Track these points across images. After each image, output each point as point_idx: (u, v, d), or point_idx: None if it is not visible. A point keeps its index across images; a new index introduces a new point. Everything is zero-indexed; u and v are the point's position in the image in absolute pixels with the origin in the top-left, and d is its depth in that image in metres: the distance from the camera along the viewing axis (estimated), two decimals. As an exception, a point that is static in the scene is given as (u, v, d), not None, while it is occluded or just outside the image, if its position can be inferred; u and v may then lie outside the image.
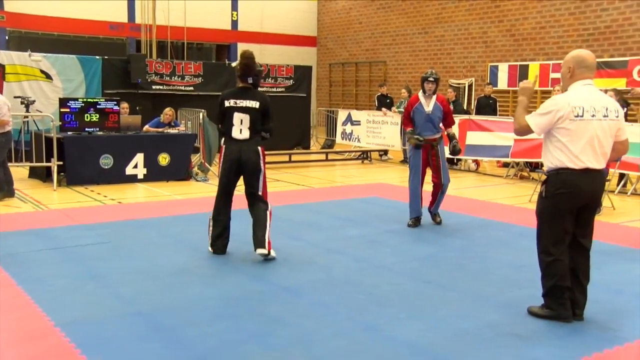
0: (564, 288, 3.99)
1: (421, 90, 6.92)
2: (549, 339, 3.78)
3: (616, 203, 8.44)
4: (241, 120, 5.32)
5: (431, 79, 6.78)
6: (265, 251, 5.30)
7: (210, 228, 5.53)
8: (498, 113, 13.32)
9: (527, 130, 4.08)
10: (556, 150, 3.96)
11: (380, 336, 3.79)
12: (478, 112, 13.10)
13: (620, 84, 12.87)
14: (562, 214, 3.97)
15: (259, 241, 5.33)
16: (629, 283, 4.98)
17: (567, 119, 3.86)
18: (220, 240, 5.50)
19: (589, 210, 4.06)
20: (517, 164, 11.58)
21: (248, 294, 4.54)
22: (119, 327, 3.84)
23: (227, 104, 5.36)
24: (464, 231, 6.79)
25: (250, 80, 5.41)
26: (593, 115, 3.87)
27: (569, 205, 3.95)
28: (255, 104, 5.36)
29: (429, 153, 6.89)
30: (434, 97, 6.85)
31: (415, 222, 6.89)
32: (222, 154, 5.38)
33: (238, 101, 5.35)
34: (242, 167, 5.35)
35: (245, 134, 5.34)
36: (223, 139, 5.48)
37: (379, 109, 14.37)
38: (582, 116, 3.86)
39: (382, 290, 4.69)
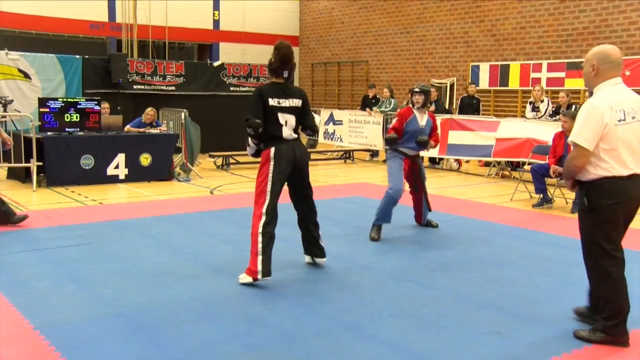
0: (626, 312, 3.68)
1: (410, 104, 6.59)
2: (529, 337, 3.82)
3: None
4: (286, 121, 4.78)
5: (417, 89, 6.45)
6: (325, 259, 5.20)
7: (259, 246, 4.63)
8: (481, 112, 13.41)
9: (583, 157, 3.58)
10: (600, 158, 3.59)
11: (362, 335, 3.80)
12: (461, 112, 13.17)
13: (599, 83, 13.01)
14: (617, 227, 3.65)
15: (320, 249, 5.16)
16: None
17: (612, 125, 3.53)
18: (270, 258, 4.69)
19: (631, 219, 3.75)
20: (499, 163, 11.68)
21: (229, 294, 4.52)
22: (100, 328, 3.81)
23: (271, 102, 4.72)
24: (446, 230, 6.83)
25: (285, 75, 4.83)
26: (633, 117, 3.60)
27: (622, 216, 3.65)
28: (298, 102, 4.85)
29: (412, 167, 6.66)
30: (426, 112, 6.55)
31: (379, 231, 6.38)
32: (271, 156, 4.69)
33: (281, 100, 4.76)
34: (296, 167, 4.81)
35: (294, 134, 4.85)
36: (262, 141, 4.78)
37: (363, 108, 14.39)
38: (624, 120, 3.57)
39: (363, 289, 4.70)
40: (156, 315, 4.06)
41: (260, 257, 4.59)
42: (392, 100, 13.75)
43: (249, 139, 4.80)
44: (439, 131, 7.14)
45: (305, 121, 4.95)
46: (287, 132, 4.78)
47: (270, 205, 4.67)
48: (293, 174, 4.82)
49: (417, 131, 6.40)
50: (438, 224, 6.94)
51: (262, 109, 4.69)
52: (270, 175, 4.68)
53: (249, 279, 4.64)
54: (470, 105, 13.19)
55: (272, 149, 4.71)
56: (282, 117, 4.76)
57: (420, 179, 6.75)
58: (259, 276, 4.58)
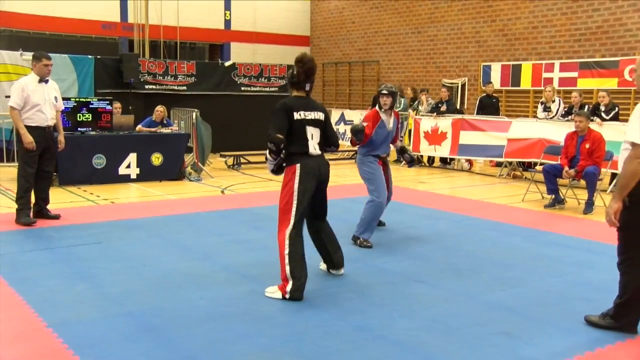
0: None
1: (377, 106, 6.27)
2: (540, 338, 3.80)
3: (608, 202, 8.47)
4: (312, 135, 4.57)
5: (384, 91, 6.13)
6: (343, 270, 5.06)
7: (288, 269, 4.40)
8: (501, 112, 13.27)
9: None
10: None
11: (371, 335, 3.80)
12: (480, 112, 13.09)
13: (612, 83, 12.93)
14: None
15: (339, 260, 4.99)
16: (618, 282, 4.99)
17: None
18: (303, 282, 4.44)
19: None
20: (510, 163, 11.62)
21: (238, 294, 4.53)
22: (110, 327, 3.83)
23: (297, 116, 4.48)
24: (455, 230, 6.81)
25: (307, 88, 4.65)
26: None
27: None
28: (321, 116, 4.66)
29: (384, 169, 6.39)
30: (392, 113, 6.30)
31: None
32: (297, 172, 4.46)
33: (307, 113, 4.54)
34: (320, 184, 4.63)
35: (318, 149, 4.63)
36: (287, 157, 4.49)
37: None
38: None
39: (373, 289, 4.69)
40: (165, 314, 4.08)
41: (290, 281, 4.36)
42: (402, 100, 13.72)
43: (268, 153, 4.50)
44: (402, 132, 7.03)
45: (329, 135, 4.76)
46: (313, 147, 4.58)
47: (295, 224, 4.44)
48: (316, 191, 4.62)
49: (387, 136, 6.20)
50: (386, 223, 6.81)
51: (287, 123, 4.43)
52: (296, 193, 4.44)
53: (278, 295, 4.41)
54: (490, 105, 13.09)
55: (298, 165, 4.47)
56: (308, 131, 4.55)
57: (390, 180, 6.52)
58: (287, 296, 4.37)
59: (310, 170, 4.50)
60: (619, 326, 3.89)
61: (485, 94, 13.41)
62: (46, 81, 6.75)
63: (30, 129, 6.53)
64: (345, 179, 11.16)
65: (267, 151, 4.46)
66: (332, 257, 4.95)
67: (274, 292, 4.46)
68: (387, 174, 6.38)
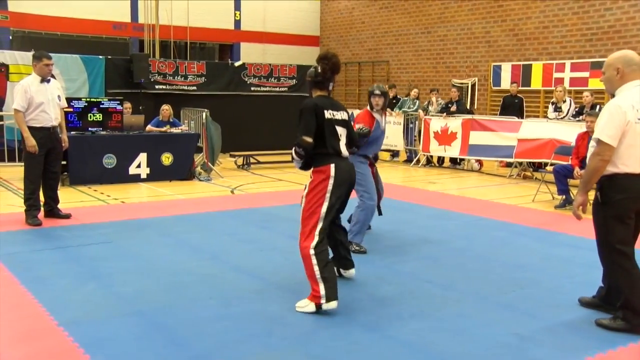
0: None
1: (369, 107, 6.05)
2: (550, 339, 3.78)
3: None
4: (341, 135, 4.39)
5: (377, 92, 5.98)
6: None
7: (316, 269, 4.14)
8: (525, 114, 13.19)
9: (606, 154, 3.74)
10: (618, 155, 3.76)
11: (381, 336, 3.80)
12: (503, 111, 13.10)
13: (624, 83, 12.82)
14: (626, 221, 3.85)
15: (350, 262, 4.91)
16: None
17: (633, 122, 3.72)
18: (335, 283, 4.22)
19: None
20: (520, 163, 11.57)
21: (248, 293, 4.54)
22: (120, 326, 3.86)
23: (327, 115, 4.27)
24: (465, 231, 6.79)
25: (330, 87, 4.48)
26: None
27: (633, 210, 3.84)
28: (346, 116, 4.46)
29: (374, 171, 6.20)
30: (383, 113, 6.13)
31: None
32: (332, 174, 4.20)
33: (335, 113, 4.34)
34: (350, 188, 4.42)
35: (346, 151, 4.45)
36: (318, 158, 4.28)
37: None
38: None
39: (382, 290, 4.69)
40: (175, 313, 4.10)
41: (322, 284, 4.11)
42: (417, 101, 13.69)
43: (294, 152, 4.33)
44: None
45: (352, 137, 4.58)
46: (344, 148, 4.40)
47: (322, 230, 4.17)
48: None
49: (380, 136, 6.09)
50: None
51: (315, 124, 4.21)
52: (328, 195, 4.17)
53: (311, 307, 4.15)
54: (512, 105, 13.09)
55: (333, 166, 4.21)
56: (338, 131, 4.36)
57: (380, 183, 6.32)
58: (323, 301, 4.11)
59: (344, 173, 4.27)
60: (630, 327, 3.88)
61: (509, 94, 13.43)
62: (48, 81, 6.69)
63: (35, 129, 6.51)
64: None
65: (293, 151, 4.33)
66: (347, 256, 4.87)
67: (305, 305, 4.19)
68: (376, 176, 6.20)
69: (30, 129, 6.50)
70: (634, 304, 3.85)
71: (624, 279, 3.89)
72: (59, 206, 6.98)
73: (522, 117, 12.58)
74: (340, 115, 4.39)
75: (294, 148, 4.29)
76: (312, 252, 4.12)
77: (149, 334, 3.77)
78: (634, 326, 3.87)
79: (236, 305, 4.27)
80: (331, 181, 4.19)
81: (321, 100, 4.36)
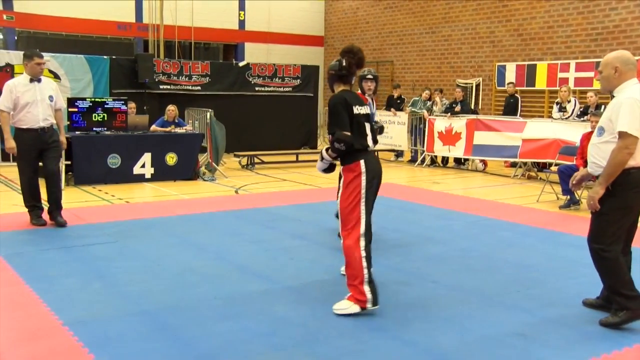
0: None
1: (360, 90, 5.90)
2: (556, 340, 3.77)
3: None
4: (368, 130, 4.33)
5: (370, 76, 5.87)
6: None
7: (365, 272, 4.11)
8: (519, 111, 13.28)
9: (632, 147, 3.77)
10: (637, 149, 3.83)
11: (386, 336, 3.79)
12: (505, 112, 13.23)
13: (629, 83, 12.78)
14: (630, 215, 3.96)
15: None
16: (636, 284, 4.94)
17: None
18: (376, 284, 4.20)
19: None
20: (525, 164, 11.54)
21: (253, 293, 4.55)
22: (125, 326, 3.86)
23: (356, 110, 4.21)
24: (470, 231, 6.78)
25: (352, 81, 4.42)
26: None
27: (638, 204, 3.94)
28: (368, 110, 4.41)
29: None
30: (372, 98, 6.01)
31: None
32: (363, 169, 4.13)
33: (360, 107, 4.26)
34: (380, 182, 4.36)
35: (373, 145, 4.37)
36: (348, 154, 4.16)
37: (387, 108, 14.36)
38: None
39: (387, 290, 4.68)
40: (181, 313, 4.10)
41: (367, 286, 4.07)
42: (428, 103, 13.67)
43: (324, 152, 4.24)
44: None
45: (372, 130, 4.47)
46: (371, 142, 4.32)
47: (366, 225, 4.14)
48: None
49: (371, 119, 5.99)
50: None
51: (347, 119, 4.13)
52: (364, 190, 4.11)
53: (355, 308, 4.08)
54: (509, 105, 13.31)
55: (362, 162, 4.14)
56: (366, 126, 4.28)
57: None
58: (369, 305, 4.06)
59: (374, 167, 4.22)
60: (632, 314, 3.92)
61: (508, 94, 13.52)
62: (39, 80, 6.45)
63: (22, 130, 6.33)
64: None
65: (325, 150, 4.22)
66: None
67: (347, 307, 4.09)
68: None
69: (18, 130, 6.35)
70: (619, 289, 3.93)
71: (607, 265, 3.97)
72: (65, 209, 6.95)
73: (516, 115, 12.71)
74: (365, 109, 4.31)
75: (329, 146, 4.19)
76: (363, 253, 4.08)
77: (154, 333, 3.77)
78: (634, 311, 3.91)
79: (241, 305, 4.27)
80: (364, 177, 4.12)
81: (348, 95, 4.27)
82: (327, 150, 4.25)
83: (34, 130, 6.37)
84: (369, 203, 4.16)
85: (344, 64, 4.31)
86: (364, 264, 4.08)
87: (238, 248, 5.86)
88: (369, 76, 5.87)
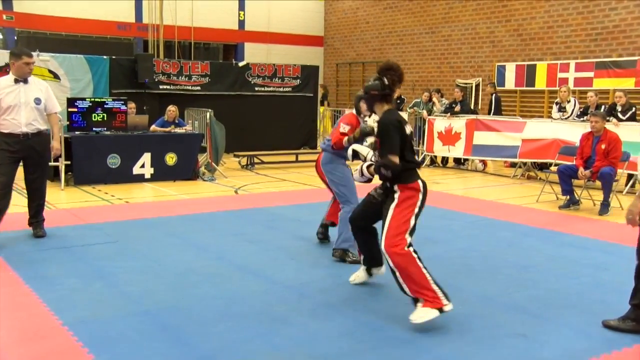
0: None
1: (354, 110, 5.65)
2: (556, 340, 3.77)
3: (625, 203, 8.40)
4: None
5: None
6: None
7: (427, 275, 4.00)
8: (501, 111, 13.34)
9: None
10: None
11: (385, 336, 3.79)
12: (489, 111, 13.26)
13: (629, 83, 12.80)
14: None
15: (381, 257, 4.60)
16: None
17: None
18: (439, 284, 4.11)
19: None
20: (525, 164, 11.55)
21: (253, 293, 4.54)
22: (126, 326, 3.86)
23: (407, 130, 4.15)
24: (470, 231, 6.78)
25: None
26: None
27: None
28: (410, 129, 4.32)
29: None
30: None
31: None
32: (422, 189, 4.11)
33: (408, 127, 4.20)
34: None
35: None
36: (405, 173, 4.09)
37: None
38: None
39: (387, 289, 4.68)
40: (181, 313, 4.10)
41: (435, 285, 3.98)
42: (430, 104, 13.67)
43: (364, 169, 4.28)
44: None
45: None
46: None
47: (410, 233, 4.07)
48: None
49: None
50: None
51: (399, 141, 4.06)
52: (417, 209, 4.10)
53: (433, 312, 3.92)
54: (490, 104, 13.36)
55: (420, 182, 4.13)
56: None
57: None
58: (445, 301, 3.96)
59: (424, 188, 4.17)
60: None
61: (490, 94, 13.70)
62: (25, 81, 5.81)
63: (3, 135, 5.70)
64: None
65: (366, 167, 4.27)
66: (379, 254, 4.56)
67: (425, 314, 3.91)
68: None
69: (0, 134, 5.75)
70: None
71: None
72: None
73: (496, 114, 12.87)
74: (409, 128, 4.23)
75: (370, 163, 4.23)
76: (414, 255, 3.97)
77: (155, 333, 3.77)
78: None
79: (242, 305, 4.27)
80: (420, 196, 4.12)
81: (397, 115, 4.22)
82: (368, 167, 4.26)
83: (15, 136, 5.74)
84: (417, 221, 4.12)
85: (387, 82, 4.18)
86: (421, 265, 3.99)
87: (238, 248, 5.86)
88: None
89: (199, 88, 13.90)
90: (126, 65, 13.04)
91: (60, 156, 7.71)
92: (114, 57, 13.12)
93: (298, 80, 15.18)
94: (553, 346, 3.68)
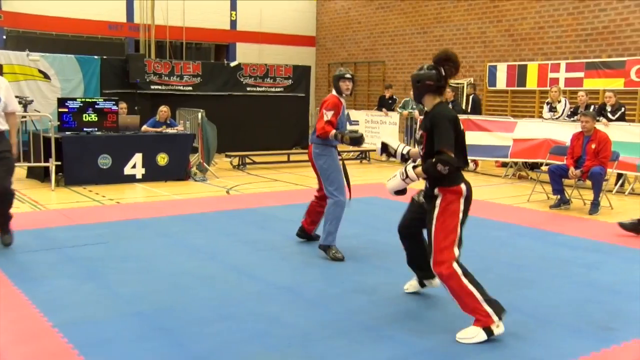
0: None
1: (335, 91, 5.61)
2: (546, 339, 3.78)
3: (614, 203, 8.45)
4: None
5: (348, 75, 5.56)
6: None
7: (473, 291, 3.76)
8: (481, 112, 13.50)
9: None
10: None
11: (378, 335, 3.79)
12: (470, 111, 13.43)
13: (618, 84, 12.87)
14: None
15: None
16: (627, 283, 4.98)
17: None
18: (489, 296, 3.84)
19: None
20: (516, 163, 11.59)
21: (247, 294, 4.53)
22: (118, 327, 3.84)
23: (461, 126, 3.87)
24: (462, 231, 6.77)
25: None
26: None
27: None
28: None
29: (342, 164, 5.76)
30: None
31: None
32: (465, 193, 3.85)
33: (461, 124, 3.91)
34: None
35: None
36: (449, 175, 3.78)
37: (379, 109, 14.37)
38: None
39: (380, 290, 4.69)
40: (174, 314, 4.08)
41: (486, 305, 3.74)
42: (409, 100, 13.70)
43: (410, 171, 3.94)
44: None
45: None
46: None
47: (458, 244, 3.88)
48: None
49: (344, 123, 5.64)
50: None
51: (454, 134, 3.78)
52: (461, 215, 3.87)
53: (482, 336, 3.71)
54: (468, 103, 13.65)
55: (463, 186, 3.84)
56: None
57: (348, 178, 5.77)
58: (495, 318, 3.72)
59: (470, 188, 3.90)
60: None
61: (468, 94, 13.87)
62: None
63: None
64: (351, 179, 11.13)
65: (412, 168, 3.93)
66: (426, 270, 4.33)
67: (475, 334, 3.72)
68: (345, 170, 5.76)
69: None
70: None
71: None
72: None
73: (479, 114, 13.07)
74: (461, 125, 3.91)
75: (416, 164, 3.93)
76: (461, 276, 3.75)
77: (147, 335, 3.75)
78: None
79: (235, 306, 4.26)
80: (462, 200, 3.85)
81: (452, 110, 3.99)
82: (414, 168, 3.91)
83: None
84: (462, 228, 3.88)
85: (443, 74, 3.86)
86: (465, 281, 3.75)
87: (230, 249, 5.85)
88: (348, 75, 5.55)
89: (190, 88, 13.86)
90: (117, 66, 12.99)
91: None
92: (105, 57, 13.07)
93: (290, 81, 15.17)
94: (543, 345, 3.69)
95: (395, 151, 4.47)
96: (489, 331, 3.72)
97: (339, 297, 4.51)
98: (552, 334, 3.87)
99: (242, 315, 4.08)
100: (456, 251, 3.82)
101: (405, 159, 4.41)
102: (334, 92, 5.63)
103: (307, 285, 4.77)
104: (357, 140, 5.43)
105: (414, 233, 4.35)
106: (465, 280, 3.75)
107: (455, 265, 3.77)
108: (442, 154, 3.70)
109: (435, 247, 3.84)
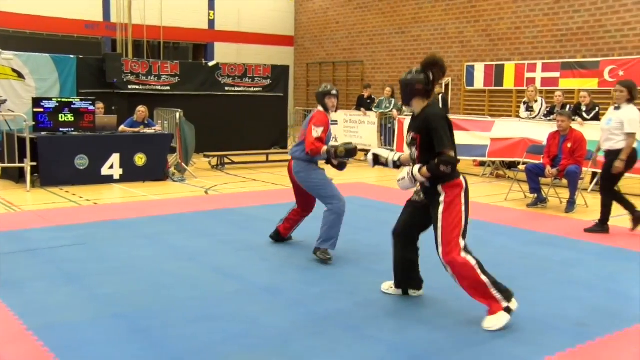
0: None
1: (320, 107, 5.62)
2: (524, 336, 3.83)
3: (589, 201, 8.58)
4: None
5: (334, 92, 5.59)
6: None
7: (485, 280, 3.97)
8: (448, 111, 13.55)
9: None
10: None
11: (358, 335, 3.80)
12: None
13: (592, 84, 13.09)
14: None
15: (421, 281, 4.60)
16: (601, 279, 5.06)
17: None
18: (499, 283, 4.06)
19: None
20: (494, 163, 11.70)
21: (227, 294, 4.52)
22: (96, 329, 3.79)
23: (450, 121, 4.10)
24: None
25: None
26: None
27: None
28: None
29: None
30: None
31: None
32: (464, 186, 4.09)
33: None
34: None
35: None
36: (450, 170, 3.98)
37: (358, 108, 14.41)
38: None
39: (360, 289, 4.70)
40: (153, 315, 4.05)
41: (494, 288, 3.95)
42: (393, 100, 13.74)
43: (416, 172, 4.04)
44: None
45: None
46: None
47: (464, 236, 4.04)
48: None
49: (329, 136, 5.67)
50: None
51: (449, 130, 3.98)
52: (464, 207, 4.06)
53: (504, 317, 3.91)
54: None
55: (462, 178, 4.07)
56: None
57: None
58: (504, 304, 3.93)
59: (467, 184, 4.11)
60: None
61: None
62: None
63: None
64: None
65: (418, 169, 4.02)
66: (419, 276, 4.57)
67: (497, 320, 3.90)
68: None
69: None
70: None
71: None
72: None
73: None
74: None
75: (421, 165, 4.00)
76: (470, 260, 3.95)
77: (126, 336, 3.72)
78: None
79: (215, 307, 4.24)
80: (463, 195, 4.06)
81: (440, 108, 4.12)
82: (419, 169, 4.01)
83: None
84: (467, 222, 4.05)
85: (431, 78, 4.04)
86: (478, 270, 3.95)
87: (210, 249, 5.82)
88: (334, 92, 5.58)
89: (168, 88, 13.76)
90: (94, 65, 12.84)
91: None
92: (81, 56, 12.91)
93: (268, 80, 15.14)
94: (520, 342, 3.74)
95: (387, 160, 4.56)
96: (508, 310, 3.93)
97: (319, 297, 4.51)
98: (530, 331, 3.91)
99: (221, 315, 4.07)
100: (462, 241, 4.01)
101: (397, 166, 4.54)
102: (320, 108, 5.62)
103: (287, 286, 4.76)
104: (352, 151, 5.46)
105: (411, 238, 4.44)
106: (476, 268, 3.95)
107: (464, 253, 3.98)
108: (443, 155, 3.90)
109: (443, 240, 4.03)
